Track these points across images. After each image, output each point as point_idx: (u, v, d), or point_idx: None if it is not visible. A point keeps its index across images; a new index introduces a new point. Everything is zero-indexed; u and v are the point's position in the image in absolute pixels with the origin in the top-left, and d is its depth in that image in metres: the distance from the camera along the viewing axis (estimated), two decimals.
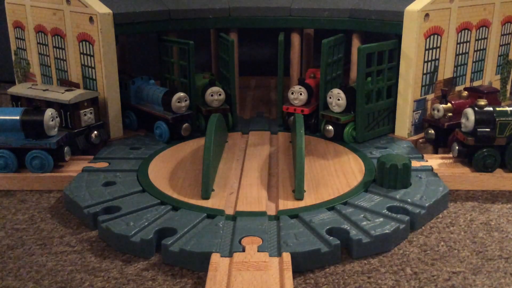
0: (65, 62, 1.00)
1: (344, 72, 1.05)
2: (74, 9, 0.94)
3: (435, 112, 0.88)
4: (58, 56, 1.02)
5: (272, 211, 0.67)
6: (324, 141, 0.94)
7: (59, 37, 1.00)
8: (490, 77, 1.09)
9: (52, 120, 0.80)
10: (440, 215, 0.70)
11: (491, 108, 0.77)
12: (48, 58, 1.05)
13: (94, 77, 0.95)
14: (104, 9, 0.90)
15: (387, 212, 0.65)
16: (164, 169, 0.81)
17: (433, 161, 0.83)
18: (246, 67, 1.25)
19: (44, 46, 1.06)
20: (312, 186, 0.74)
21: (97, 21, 0.90)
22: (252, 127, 1.01)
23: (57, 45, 1.02)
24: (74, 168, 0.82)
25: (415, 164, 0.80)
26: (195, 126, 0.98)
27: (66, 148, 0.82)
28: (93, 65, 0.94)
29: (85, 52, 0.95)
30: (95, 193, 0.72)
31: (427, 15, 0.89)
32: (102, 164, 0.83)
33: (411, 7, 0.88)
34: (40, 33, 1.06)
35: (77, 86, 0.98)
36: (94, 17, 0.90)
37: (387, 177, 0.72)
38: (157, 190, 0.73)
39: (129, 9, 0.95)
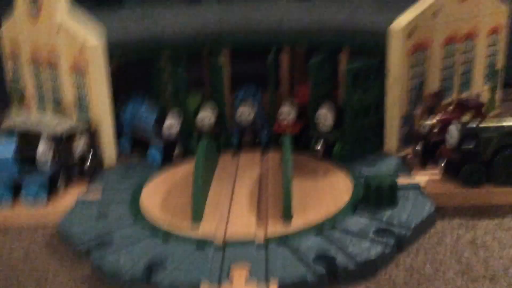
0: (59, 91, 1.02)
1: (333, 88, 1.06)
2: (65, 40, 0.96)
3: (422, 127, 0.89)
4: (52, 85, 1.04)
5: (261, 237, 0.68)
6: (314, 160, 0.95)
7: (52, 67, 1.02)
8: (478, 88, 1.10)
9: (44, 155, 0.82)
10: (427, 234, 0.71)
11: (474, 124, 0.78)
12: (42, 87, 1.07)
13: (87, 106, 0.96)
14: (93, 40, 0.92)
15: (373, 235, 0.66)
16: (156, 196, 0.83)
17: (421, 177, 0.84)
18: (237, 81, 1.25)
19: (38, 76, 1.08)
20: (300, 209, 0.75)
21: (87, 52, 0.92)
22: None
23: (51, 75, 1.03)
24: (68, 200, 0.84)
25: (402, 181, 0.81)
26: (187, 149, 0.99)
27: (59, 181, 0.84)
28: (86, 95, 0.96)
29: (77, 81, 0.97)
30: (88, 227, 0.73)
31: (411, 32, 0.90)
32: (95, 195, 0.85)
33: (395, 26, 0.89)
34: (34, 62, 1.08)
35: (71, 115, 1.00)
36: (84, 48, 0.92)
37: (373, 197, 0.73)
38: (148, 220, 0.74)
39: (119, 37, 0.97)
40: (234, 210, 0.76)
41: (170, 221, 0.74)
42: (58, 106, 1.03)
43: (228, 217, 0.74)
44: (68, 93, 1.00)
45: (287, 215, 0.70)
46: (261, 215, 0.74)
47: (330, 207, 0.75)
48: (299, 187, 0.82)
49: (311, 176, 0.87)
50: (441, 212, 0.76)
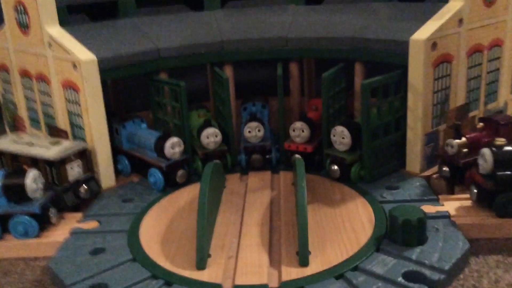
0: (51, 108, 0.95)
1: (348, 99, 0.98)
2: (57, 55, 0.88)
3: (449, 148, 0.81)
4: (44, 102, 0.97)
5: (274, 282, 0.61)
6: (330, 182, 0.87)
7: (44, 83, 0.95)
8: (505, 97, 1.02)
9: (35, 183, 0.74)
10: (462, 275, 0.63)
11: (510, 147, 0.70)
12: (34, 103, 1.00)
13: (81, 125, 0.89)
14: (87, 56, 0.85)
15: (402, 280, 0.58)
16: (157, 228, 0.75)
17: (450, 204, 0.76)
18: (245, 88, 1.17)
19: (29, 91, 1.00)
20: (317, 245, 0.67)
21: (81, 69, 0.84)
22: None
23: (42, 90, 0.96)
24: (61, 230, 0.76)
25: (430, 209, 0.74)
26: (191, 170, 0.92)
27: (51, 210, 0.77)
28: (79, 113, 0.88)
29: (71, 99, 0.89)
30: (81, 265, 0.66)
31: (434, 43, 0.82)
32: (92, 224, 0.78)
33: (417, 36, 0.81)
34: (25, 77, 1.00)
35: (65, 133, 0.92)
36: (77, 64, 0.84)
37: (400, 233, 0.65)
38: (149, 259, 0.67)
39: (115, 53, 0.89)
40: (244, 246, 0.68)
41: (173, 258, 0.66)
42: (51, 124, 0.96)
43: (237, 256, 0.66)
44: (61, 111, 0.92)
45: (304, 262, 0.62)
46: (273, 253, 0.67)
47: (351, 242, 0.67)
48: (316, 218, 0.75)
49: (328, 203, 0.79)
50: (474, 245, 0.68)
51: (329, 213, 0.76)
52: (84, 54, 0.85)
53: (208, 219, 0.68)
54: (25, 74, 1.00)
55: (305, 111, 1.01)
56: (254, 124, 0.91)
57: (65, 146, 0.83)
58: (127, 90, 1.20)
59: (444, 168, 0.82)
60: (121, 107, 1.14)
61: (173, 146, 0.87)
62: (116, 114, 1.05)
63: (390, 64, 0.89)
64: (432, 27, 0.82)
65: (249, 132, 0.92)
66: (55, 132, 0.95)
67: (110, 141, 0.90)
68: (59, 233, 0.76)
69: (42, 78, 0.95)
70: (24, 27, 0.94)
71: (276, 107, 0.93)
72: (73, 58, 0.85)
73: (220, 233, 0.72)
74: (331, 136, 0.86)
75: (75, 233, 0.75)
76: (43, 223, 0.76)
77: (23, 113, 1.06)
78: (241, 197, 0.84)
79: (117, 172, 0.94)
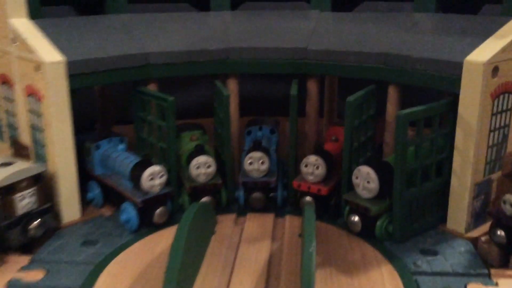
0: (15, 118, 0.78)
1: (376, 130, 0.80)
2: (20, 53, 0.72)
3: (507, 205, 0.62)
4: (8, 109, 0.80)
5: None
6: (348, 236, 0.68)
7: (7, 86, 0.78)
8: None
9: None
10: None
11: None
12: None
13: (43, 143, 0.72)
14: (53, 57, 0.68)
15: None
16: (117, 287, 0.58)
17: (506, 284, 0.57)
18: (251, 107, 0.99)
19: None
20: None
21: (45, 72, 0.67)
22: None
23: (6, 96, 0.80)
24: None
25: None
26: (175, 207, 0.74)
27: None
28: (42, 128, 0.71)
29: (33, 109, 0.72)
30: None
31: (496, 68, 0.63)
32: (37, 274, 0.60)
33: (474, 58, 0.62)
34: None
35: (26, 151, 0.76)
36: (41, 65, 0.67)
37: None
38: None
39: (91, 55, 0.72)
40: None
41: None
42: (16, 138, 0.79)
43: None
44: (24, 123, 0.75)
45: None
46: None
47: None
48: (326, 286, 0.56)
49: (343, 267, 0.61)
50: None
51: (345, 283, 0.57)
52: (49, 54, 0.68)
53: (181, 279, 0.50)
54: None
55: (322, 141, 0.83)
56: (257, 154, 0.73)
57: (16, 168, 0.66)
58: (118, 99, 1.03)
59: (498, 232, 0.62)
60: (108, 119, 0.98)
61: (153, 177, 0.69)
62: (97, 130, 0.88)
63: (434, 90, 0.70)
64: (494, 48, 0.63)
65: (250, 164, 0.73)
66: (17, 148, 0.78)
67: (81, 163, 0.73)
68: None
69: (6, 81, 0.78)
70: None
71: (288, 131, 0.75)
72: (35, 58, 0.68)
73: None
74: (353, 177, 0.68)
75: (13, 285, 0.58)
76: None
77: None
78: (232, 248, 0.66)
79: (87, 202, 0.77)
